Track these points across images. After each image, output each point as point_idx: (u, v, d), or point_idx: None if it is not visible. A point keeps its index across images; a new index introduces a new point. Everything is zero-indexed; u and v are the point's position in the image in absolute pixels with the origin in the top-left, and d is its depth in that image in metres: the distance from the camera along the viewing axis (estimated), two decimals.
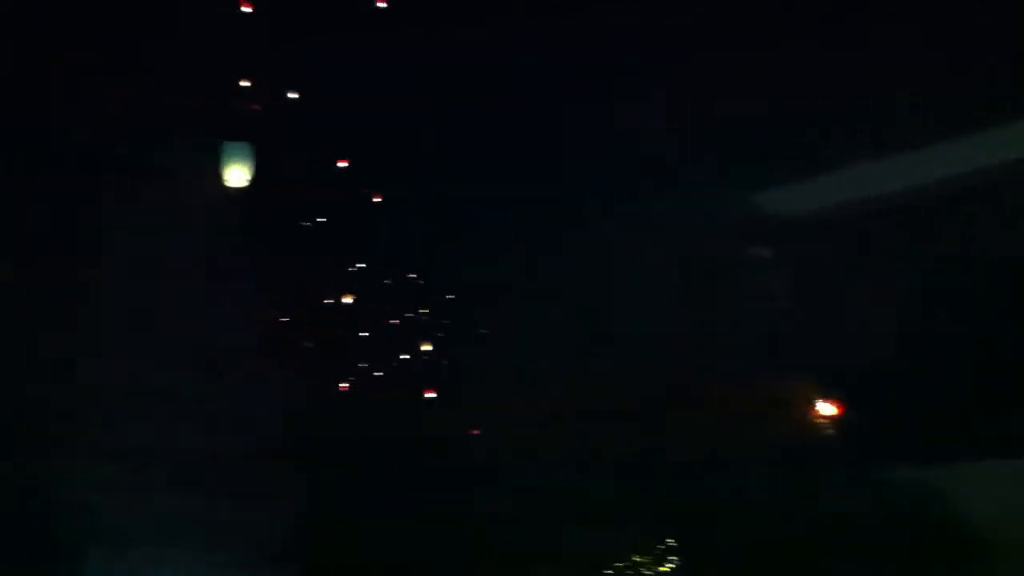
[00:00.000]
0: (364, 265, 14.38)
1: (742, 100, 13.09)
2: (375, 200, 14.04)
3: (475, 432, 14.03)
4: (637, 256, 13.61)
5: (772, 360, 13.17)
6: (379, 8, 13.14)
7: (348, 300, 14.27)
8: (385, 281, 14.44)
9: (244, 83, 13.33)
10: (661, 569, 13.17)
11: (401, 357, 14.44)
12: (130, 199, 12.40)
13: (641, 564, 13.24)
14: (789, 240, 13.77)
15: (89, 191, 12.33)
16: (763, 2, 12.89)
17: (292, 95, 13.56)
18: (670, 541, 13.15)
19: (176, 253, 12.64)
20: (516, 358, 13.92)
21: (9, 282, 11.98)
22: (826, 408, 13.13)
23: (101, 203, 12.44)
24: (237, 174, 12.74)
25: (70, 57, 12.22)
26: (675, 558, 13.16)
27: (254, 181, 12.98)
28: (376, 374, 14.30)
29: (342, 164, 13.94)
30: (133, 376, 12.16)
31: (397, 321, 14.49)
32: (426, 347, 14.34)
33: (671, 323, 13.47)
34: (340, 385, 14.03)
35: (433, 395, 14.18)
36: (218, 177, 12.89)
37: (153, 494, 12.02)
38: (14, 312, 11.99)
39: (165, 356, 12.36)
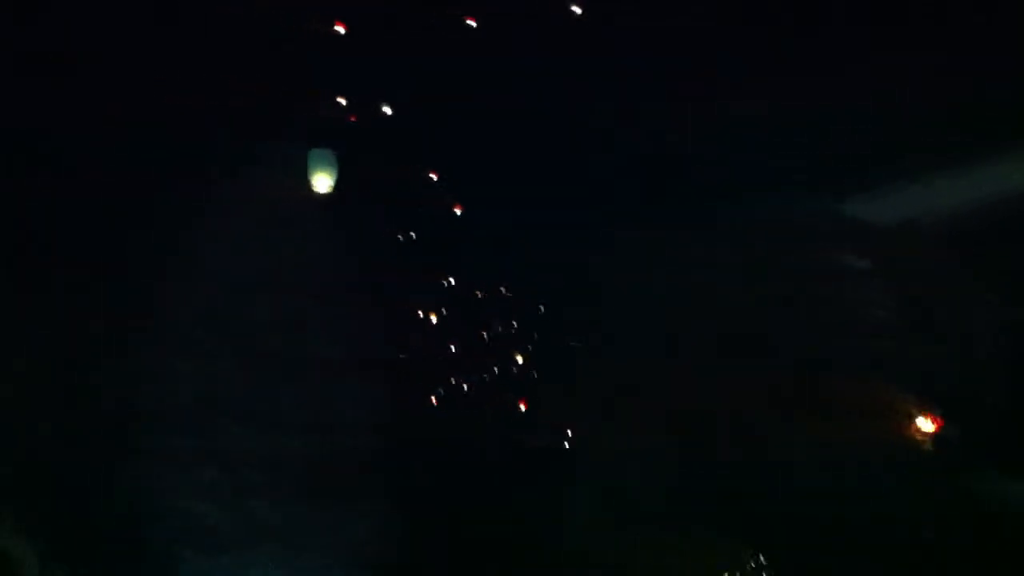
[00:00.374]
0: (453, 280, 14.57)
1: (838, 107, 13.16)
2: (456, 211, 14.24)
3: (566, 443, 14.12)
4: (734, 264, 13.66)
5: (870, 372, 13.09)
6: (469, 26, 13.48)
7: (437, 315, 14.46)
8: (477, 294, 14.69)
9: (340, 100, 13.73)
10: None
11: (494, 369, 14.61)
12: (227, 213, 12.83)
13: None
14: (888, 249, 13.69)
15: (184, 204, 12.82)
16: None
17: (386, 109, 13.91)
18: (762, 560, 13.11)
19: (275, 268, 13.01)
20: (609, 367, 13.95)
21: (111, 292, 12.50)
22: (925, 422, 12.96)
23: (196, 217, 12.89)
24: (328, 184, 13.13)
25: (178, 70, 12.70)
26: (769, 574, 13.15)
27: (349, 197, 13.35)
28: (466, 386, 14.49)
29: (432, 176, 14.20)
30: (226, 384, 12.62)
31: (487, 334, 14.64)
32: (519, 358, 14.49)
33: (766, 331, 13.45)
34: (432, 398, 14.26)
35: (525, 405, 14.36)
36: (314, 194, 13.27)
37: (248, 499, 12.41)
38: (114, 321, 12.46)
39: (260, 366, 12.73)
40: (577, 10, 13.36)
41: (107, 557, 11.78)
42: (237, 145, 12.92)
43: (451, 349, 14.48)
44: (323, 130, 13.42)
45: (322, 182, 13.20)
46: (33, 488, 11.81)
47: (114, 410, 12.28)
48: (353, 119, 13.65)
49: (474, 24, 13.29)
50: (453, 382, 14.35)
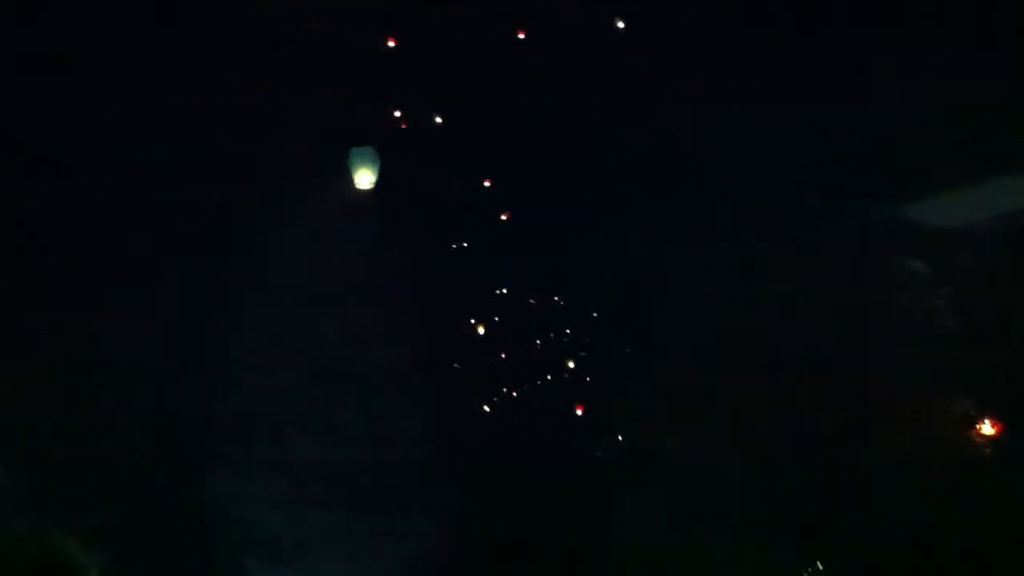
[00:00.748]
0: (506, 290, 14.54)
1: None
2: (503, 218, 14.23)
3: (624, 448, 14.01)
4: (789, 270, 13.61)
5: (928, 375, 13.01)
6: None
7: (487, 326, 14.45)
8: (530, 302, 14.61)
9: (396, 113, 13.80)
10: None
11: (547, 377, 14.59)
12: (280, 226, 12.95)
13: None
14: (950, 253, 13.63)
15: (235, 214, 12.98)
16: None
17: (437, 119, 13.93)
18: (818, 566, 12.84)
19: (329, 278, 13.06)
20: (661, 374, 13.90)
21: (174, 306, 12.66)
22: (986, 427, 12.84)
23: (249, 229, 13.05)
24: (370, 180, 13.09)
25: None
26: None
27: (402, 206, 13.42)
28: (515, 394, 14.43)
29: (486, 183, 14.17)
30: (289, 396, 12.74)
31: (541, 342, 14.62)
32: (571, 364, 14.45)
33: (820, 337, 13.38)
34: (484, 406, 14.22)
35: (581, 411, 14.26)
36: (369, 204, 13.27)
37: (309, 508, 12.46)
38: (177, 335, 12.62)
39: (317, 376, 12.83)
40: (620, 24, 13.41)
41: (171, 565, 11.84)
42: (291, 165, 13.06)
43: (507, 357, 14.42)
44: (378, 142, 13.39)
45: (368, 186, 13.18)
46: (100, 496, 11.89)
47: (178, 422, 12.41)
48: (404, 124, 13.71)
49: (523, 35, 13.41)
50: (510, 390, 14.32)
